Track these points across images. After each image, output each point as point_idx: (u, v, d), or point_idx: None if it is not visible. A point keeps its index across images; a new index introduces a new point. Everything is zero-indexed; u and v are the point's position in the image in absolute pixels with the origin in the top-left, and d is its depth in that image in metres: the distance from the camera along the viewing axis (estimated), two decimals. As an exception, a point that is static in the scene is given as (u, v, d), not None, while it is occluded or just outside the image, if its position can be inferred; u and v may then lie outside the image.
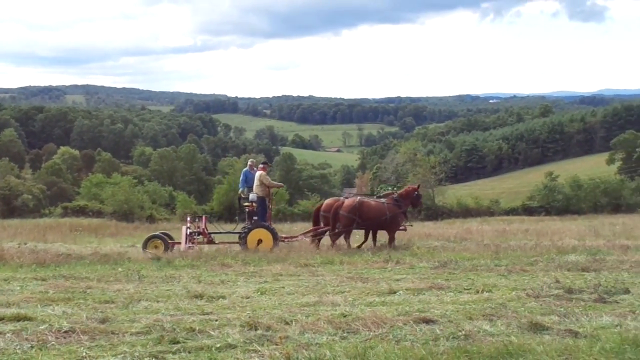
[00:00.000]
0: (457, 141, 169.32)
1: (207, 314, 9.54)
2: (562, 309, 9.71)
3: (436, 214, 56.74)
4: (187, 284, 12.41)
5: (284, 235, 21.28)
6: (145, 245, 20.07)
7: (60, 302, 10.40)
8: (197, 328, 8.38)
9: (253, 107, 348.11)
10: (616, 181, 67.67)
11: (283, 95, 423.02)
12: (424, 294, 11.22)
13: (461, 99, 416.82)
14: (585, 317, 9.22)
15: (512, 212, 59.95)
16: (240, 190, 21.81)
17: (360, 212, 19.75)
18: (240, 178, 22.10)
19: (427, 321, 8.80)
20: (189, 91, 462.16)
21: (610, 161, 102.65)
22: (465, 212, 57.67)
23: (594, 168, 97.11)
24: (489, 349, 7.14)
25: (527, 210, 59.96)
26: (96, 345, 7.75)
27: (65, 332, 8.27)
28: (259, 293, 11.46)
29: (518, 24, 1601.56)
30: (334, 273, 14.01)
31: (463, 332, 8.14)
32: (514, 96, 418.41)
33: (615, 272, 13.83)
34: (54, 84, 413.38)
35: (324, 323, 8.64)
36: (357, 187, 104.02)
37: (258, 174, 20.76)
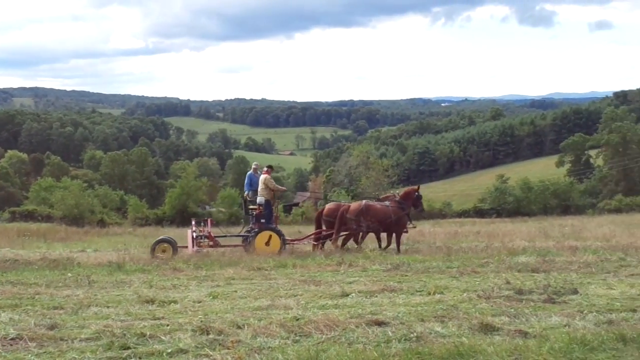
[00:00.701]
0: (410, 144, 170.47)
1: (159, 318, 9.45)
2: (512, 310, 9.81)
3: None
4: (138, 289, 12.27)
5: (290, 239, 21.20)
6: (153, 250, 19.73)
7: (7, 309, 10.22)
8: (148, 333, 8.29)
9: (205, 110, 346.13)
10: (565, 183, 68.63)
11: (236, 98, 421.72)
12: (377, 296, 11.24)
13: (413, 102, 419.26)
14: (534, 317, 9.33)
15: (463, 214, 60.47)
16: (246, 193, 21.76)
17: (367, 216, 20.01)
18: (245, 181, 22.01)
19: (379, 323, 8.82)
20: (140, 94, 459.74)
21: (560, 164, 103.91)
22: (418, 214, 57.88)
23: (544, 170, 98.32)
24: (440, 350, 7.17)
25: (479, 213, 60.54)
26: (44, 352, 7.62)
27: (12, 339, 8.13)
28: (211, 297, 11.38)
29: (469, 28, 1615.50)
30: (286, 276, 13.99)
31: (415, 334, 8.17)
32: (466, 99, 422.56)
33: (564, 272, 14.02)
34: (1, 87, 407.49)
35: (276, 327, 8.61)
36: (311, 190, 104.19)
37: (262, 177, 20.80)
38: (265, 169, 21.31)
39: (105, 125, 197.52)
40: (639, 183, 79.10)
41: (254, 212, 20.46)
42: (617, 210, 58.12)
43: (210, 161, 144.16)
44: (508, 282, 12.39)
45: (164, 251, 19.48)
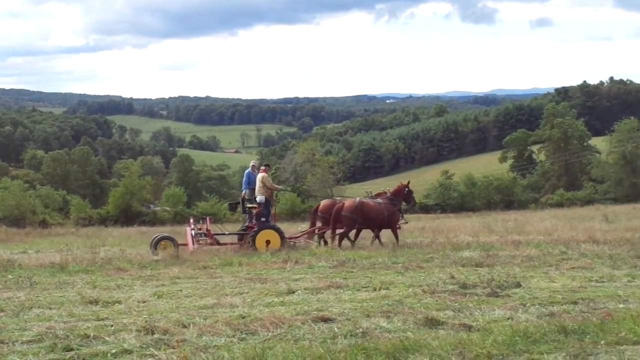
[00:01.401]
0: (355, 141, 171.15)
1: (103, 319, 9.35)
2: (456, 304, 9.93)
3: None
4: (82, 290, 12.10)
5: (288, 236, 21.02)
6: (155, 247, 19.55)
7: (-54, 312, 10.00)
8: (91, 334, 8.21)
9: (149, 108, 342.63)
10: (508, 179, 69.56)
11: (180, 96, 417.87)
12: (323, 293, 11.27)
13: (358, 99, 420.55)
14: (478, 311, 9.46)
15: (408, 210, 60.80)
16: (244, 192, 21.69)
17: (362, 213, 20.27)
18: (243, 180, 21.97)
19: (325, 320, 8.85)
20: (82, 92, 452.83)
21: (503, 159, 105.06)
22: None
23: (488, 166, 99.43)
24: (386, 345, 7.21)
25: (424, 208, 60.97)
26: (-15, 356, 7.48)
27: (-48, 343, 7.96)
28: (156, 297, 11.29)
29: (412, 25, 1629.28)
30: (232, 275, 13.94)
31: (361, 330, 8.21)
32: (410, 96, 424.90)
33: (508, 266, 14.22)
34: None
35: (222, 325, 8.58)
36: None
37: (260, 176, 20.78)
38: (263, 167, 21.41)
39: (46, 124, 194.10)
40: (580, 178, 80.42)
41: (253, 211, 20.44)
42: (559, 205, 59.10)
43: (154, 160, 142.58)
44: (452, 277, 12.53)
45: (165, 248, 19.34)
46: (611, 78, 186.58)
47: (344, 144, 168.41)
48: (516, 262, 14.89)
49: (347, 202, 20.81)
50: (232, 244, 20.38)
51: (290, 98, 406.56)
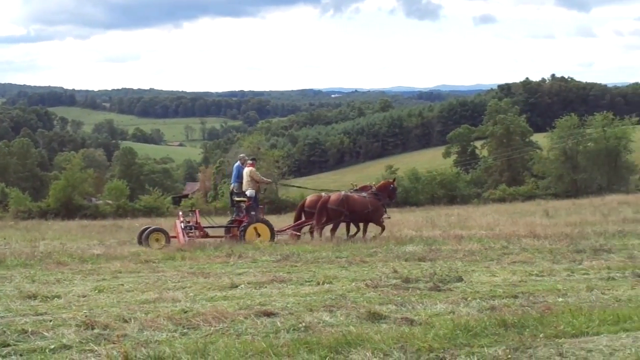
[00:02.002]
0: (300, 135, 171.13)
1: (41, 314, 9.18)
2: (399, 298, 9.99)
3: (280, 207, 57.00)
4: (20, 284, 11.88)
5: (277, 229, 21.01)
6: (147, 238, 19.48)
7: None
8: (29, 329, 8.04)
9: (91, 100, 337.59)
10: (452, 174, 70.15)
11: (123, 88, 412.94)
12: (266, 287, 11.25)
13: (304, 93, 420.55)
14: (420, 305, 9.53)
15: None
16: (232, 185, 21.65)
17: (348, 206, 20.43)
18: (233, 173, 21.88)
19: (268, 314, 8.82)
20: (22, 83, 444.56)
21: (447, 154, 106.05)
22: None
23: (431, 161, 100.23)
24: (328, 340, 7.20)
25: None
26: None
27: None
28: (96, 291, 11.14)
29: (357, 20, 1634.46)
30: (175, 269, 13.84)
31: (303, 324, 8.21)
32: (355, 91, 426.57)
33: (450, 261, 14.37)
34: None
35: (163, 320, 8.50)
36: (200, 182, 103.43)
37: (248, 170, 20.82)
38: (250, 161, 21.36)
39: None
40: (522, 173, 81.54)
41: (243, 205, 20.56)
42: (501, 200, 59.83)
43: (96, 152, 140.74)
44: (395, 271, 12.60)
45: (157, 240, 19.42)
46: (553, 75, 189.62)
47: (289, 138, 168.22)
48: (458, 256, 15.04)
49: (333, 196, 20.94)
50: (220, 236, 20.53)
51: (235, 91, 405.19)
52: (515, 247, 16.42)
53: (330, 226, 20.89)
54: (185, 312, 9.04)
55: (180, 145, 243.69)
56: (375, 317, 8.63)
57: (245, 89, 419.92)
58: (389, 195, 21.88)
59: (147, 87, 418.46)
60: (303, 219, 21.65)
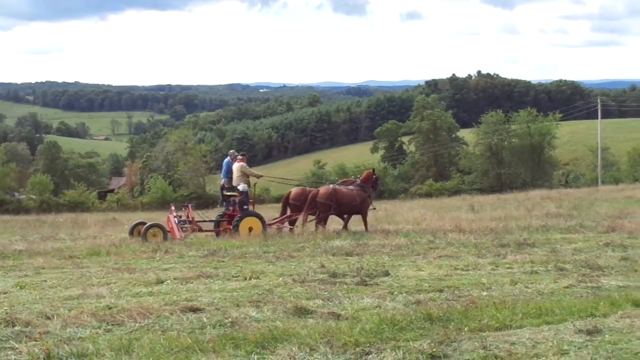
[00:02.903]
0: (228, 130, 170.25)
1: (-40, 312, 8.93)
2: (326, 293, 10.01)
3: (207, 202, 56.70)
4: (-63, 281, 11.55)
5: (268, 222, 21.13)
6: (145, 234, 19.25)
7: None
8: (-52, 327, 7.82)
9: (14, 93, 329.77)
10: (379, 169, 70.71)
11: (47, 81, 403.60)
12: (192, 282, 11.15)
13: (232, 87, 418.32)
14: (347, 299, 9.57)
15: (281, 199, 61.00)
16: (223, 180, 21.77)
17: (336, 199, 20.65)
18: (223, 169, 21.99)
19: (194, 310, 8.75)
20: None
21: (374, 149, 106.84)
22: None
23: (359, 156, 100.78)
24: (255, 335, 7.18)
25: (296, 198, 61.09)
26: None
27: None
28: (18, 287, 10.91)
29: (285, 14, 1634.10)
30: (99, 264, 13.61)
31: (230, 320, 8.16)
32: (284, 86, 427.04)
33: (377, 255, 14.44)
34: None
35: (87, 316, 8.36)
36: (127, 176, 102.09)
37: (239, 165, 20.94)
38: (240, 156, 21.54)
39: None
40: (449, 168, 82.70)
41: (235, 199, 20.72)
42: (428, 195, 60.57)
43: (19, 146, 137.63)
44: (323, 266, 12.62)
45: (154, 235, 19.25)
46: (479, 72, 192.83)
47: (217, 132, 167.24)
48: (385, 251, 15.13)
49: (322, 189, 21.17)
50: (211, 231, 20.74)
51: (162, 85, 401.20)
52: (441, 242, 16.58)
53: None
54: (110, 309, 8.91)
55: (106, 139, 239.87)
56: (302, 312, 8.63)
57: (173, 83, 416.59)
58: (372, 186, 22.11)
59: (72, 80, 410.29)
60: (289, 212, 21.84)
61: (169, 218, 20.60)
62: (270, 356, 6.66)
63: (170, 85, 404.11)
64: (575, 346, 6.77)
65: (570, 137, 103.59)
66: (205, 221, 21.65)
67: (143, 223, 20.81)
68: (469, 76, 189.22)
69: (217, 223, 21.27)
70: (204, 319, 8.31)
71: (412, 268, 12.68)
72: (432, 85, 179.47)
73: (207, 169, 70.61)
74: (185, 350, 6.82)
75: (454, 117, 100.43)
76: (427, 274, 11.87)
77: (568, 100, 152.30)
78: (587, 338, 7.01)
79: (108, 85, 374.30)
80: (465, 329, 7.39)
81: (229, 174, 21.42)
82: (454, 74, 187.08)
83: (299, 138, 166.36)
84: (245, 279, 11.38)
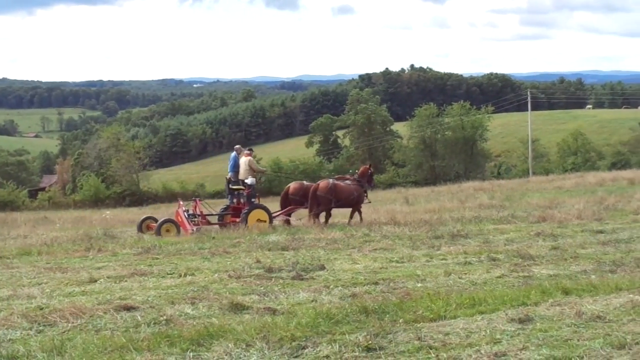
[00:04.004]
0: (162, 125, 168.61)
1: None
2: (262, 288, 10.01)
3: (141, 199, 56.14)
4: None
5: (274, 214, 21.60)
6: (159, 229, 19.45)
7: None
8: None
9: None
10: (315, 163, 70.92)
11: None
12: (126, 281, 11.01)
13: (165, 83, 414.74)
14: (283, 294, 9.59)
15: (217, 195, 60.76)
16: (230, 174, 22.06)
17: (335, 193, 21.20)
18: (230, 163, 22.35)
19: (129, 308, 8.65)
20: None
21: (309, 144, 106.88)
22: (171, 196, 57.64)
23: (295, 151, 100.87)
24: (190, 332, 7.14)
25: (231, 193, 60.96)
26: None
27: None
28: (-56, 290, 10.61)
29: (217, 9, 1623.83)
30: (30, 264, 13.33)
31: (165, 317, 8.10)
32: (218, 81, 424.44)
33: (313, 249, 14.48)
34: None
35: (18, 317, 8.20)
36: (58, 174, 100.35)
37: (247, 159, 21.72)
38: (247, 152, 22.27)
39: None
40: (383, 162, 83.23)
41: (243, 192, 21.23)
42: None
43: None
44: (259, 261, 12.60)
45: (167, 230, 19.54)
46: (412, 65, 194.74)
47: (150, 128, 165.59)
48: (321, 245, 15.17)
49: (322, 183, 21.60)
50: (217, 224, 21.03)
51: (94, 81, 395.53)
52: (376, 235, 16.70)
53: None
54: (41, 309, 8.74)
55: (36, 136, 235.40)
56: (237, 307, 8.60)
57: (104, 79, 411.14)
58: (368, 181, 22.67)
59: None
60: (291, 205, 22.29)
61: (178, 212, 20.77)
62: (205, 353, 6.62)
63: (101, 80, 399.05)
64: (507, 335, 6.88)
65: (501, 129, 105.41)
66: (210, 215, 21.89)
67: (152, 218, 21.45)
68: (402, 70, 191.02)
69: (221, 216, 21.62)
70: (139, 317, 8.22)
71: (347, 261, 12.73)
72: (366, 79, 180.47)
73: (141, 165, 69.78)
74: (119, 349, 6.74)
75: (388, 111, 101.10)
76: (362, 267, 11.94)
77: (499, 93, 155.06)
78: (519, 326, 7.15)
79: (38, 82, 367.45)
80: (400, 321, 7.46)
81: (235, 168, 21.94)
82: (387, 68, 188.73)
83: (234, 133, 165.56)
84: (180, 276, 11.28)
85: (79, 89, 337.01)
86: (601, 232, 16.27)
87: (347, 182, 22.01)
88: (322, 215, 21.67)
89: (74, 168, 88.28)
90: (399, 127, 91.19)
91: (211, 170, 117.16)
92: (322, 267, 11.83)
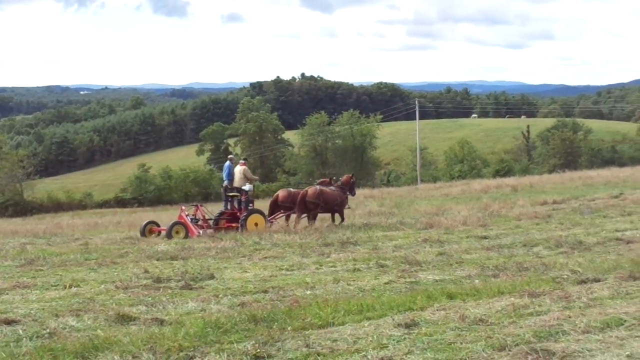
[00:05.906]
0: (47, 133, 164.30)
1: None
2: (149, 299, 9.87)
3: (25, 209, 54.55)
4: None
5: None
6: (169, 231, 20.36)
7: None
8: None
9: None
10: (205, 171, 70.41)
11: None
12: (7, 294, 10.65)
13: (50, 89, 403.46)
14: (171, 304, 9.47)
15: (105, 204, 59.81)
16: (226, 182, 23.08)
17: (323, 198, 22.12)
18: (225, 172, 23.35)
19: (9, 322, 8.36)
20: None
21: (200, 152, 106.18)
22: (57, 206, 56.40)
23: (185, 159, 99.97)
24: (74, 345, 6.96)
25: (120, 202, 60.18)
26: None
27: None
28: None
29: (103, 15, 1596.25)
30: None
31: (48, 330, 7.89)
32: (106, 88, 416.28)
33: (202, 259, 14.41)
34: None
35: None
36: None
37: (242, 168, 22.60)
38: (242, 161, 23.44)
39: None
40: (275, 170, 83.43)
41: (241, 199, 22.28)
42: (255, 197, 60.70)
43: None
44: (147, 271, 12.43)
45: (177, 232, 20.45)
46: (302, 74, 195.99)
47: (35, 136, 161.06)
48: (211, 254, 15.12)
49: (310, 190, 22.51)
50: (212, 228, 21.61)
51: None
52: (267, 243, 16.72)
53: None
54: None
55: None
56: (124, 319, 8.45)
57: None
58: (350, 189, 23.64)
59: None
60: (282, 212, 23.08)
61: (181, 217, 21.67)
62: (90, 366, 6.48)
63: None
64: (394, 340, 6.97)
65: (391, 137, 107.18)
66: (211, 219, 22.38)
67: (154, 223, 22.28)
68: (293, 78, 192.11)
69: (216, 221, 22.23)
70: (20, 331, 7.96)
71: (237, 270, 12.71)
72: (257, 88, 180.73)
73: (25, 174, 67.76)
74: (-2, 365, 6.52)
75: (279, 119, 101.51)
76: (252, 276, 11.93)
77: (388, 102, 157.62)
78: (405, 331, 7.25)
79: None
80: (289, 328, 7.47)
81: (230, 176, 22.88)
82: (278, 77, 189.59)
83: (123, 141, 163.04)
84: (65, 288, 11.01)
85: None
86: (485, 237, 16.71)
87: (332, 187, 22.97)
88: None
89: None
90: (290, 136, 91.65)
91: (99, 179, 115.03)
92: (212, 276, 11.77)
